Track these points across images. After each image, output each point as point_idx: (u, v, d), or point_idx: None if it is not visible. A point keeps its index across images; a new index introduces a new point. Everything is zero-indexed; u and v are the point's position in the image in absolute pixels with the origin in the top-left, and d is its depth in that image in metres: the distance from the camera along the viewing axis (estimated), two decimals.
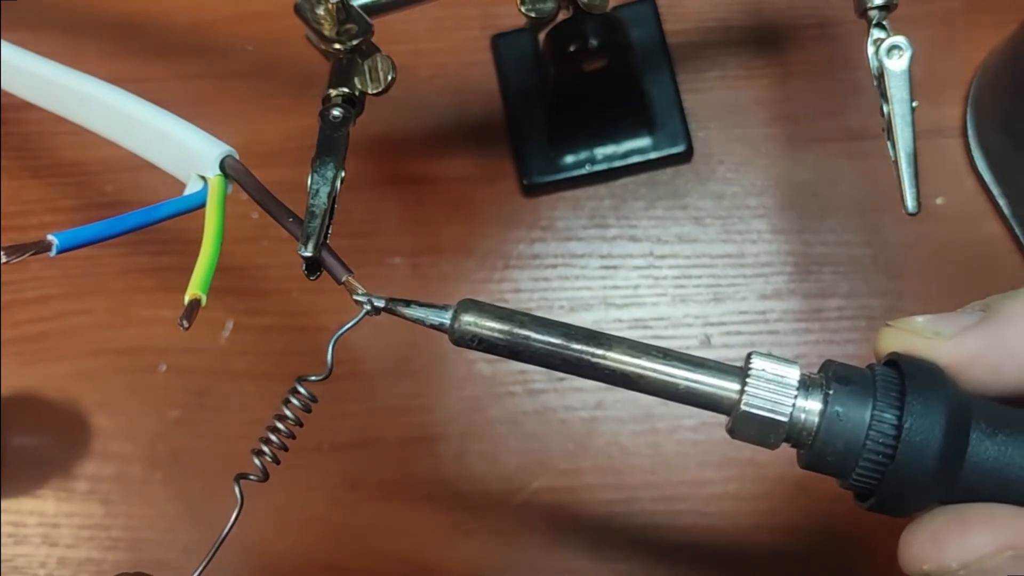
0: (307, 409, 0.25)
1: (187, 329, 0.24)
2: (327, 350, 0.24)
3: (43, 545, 0.43)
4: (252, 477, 0.25)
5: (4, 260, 0.24)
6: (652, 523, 0.41)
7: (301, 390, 0.25)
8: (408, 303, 0.23)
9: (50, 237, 0.25)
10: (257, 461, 0.25)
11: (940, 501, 0.21)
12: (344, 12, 0.30)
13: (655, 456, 0.42)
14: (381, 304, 0.24)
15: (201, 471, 0.43)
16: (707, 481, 0.42)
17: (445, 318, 0.23)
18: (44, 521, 0.43)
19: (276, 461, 0.25)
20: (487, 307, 0.23)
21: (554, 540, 0.42)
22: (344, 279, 0.25)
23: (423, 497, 0.43)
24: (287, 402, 0.25)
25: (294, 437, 0.25)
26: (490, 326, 0.22)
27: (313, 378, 0.25)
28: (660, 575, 0.41)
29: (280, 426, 0.25)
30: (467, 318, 0.23)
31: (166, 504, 0.43)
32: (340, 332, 0.24)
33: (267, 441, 0.25)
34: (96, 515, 0.43)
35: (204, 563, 0.24)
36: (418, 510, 0.42)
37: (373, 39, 0.31)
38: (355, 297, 0.24)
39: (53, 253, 0.26)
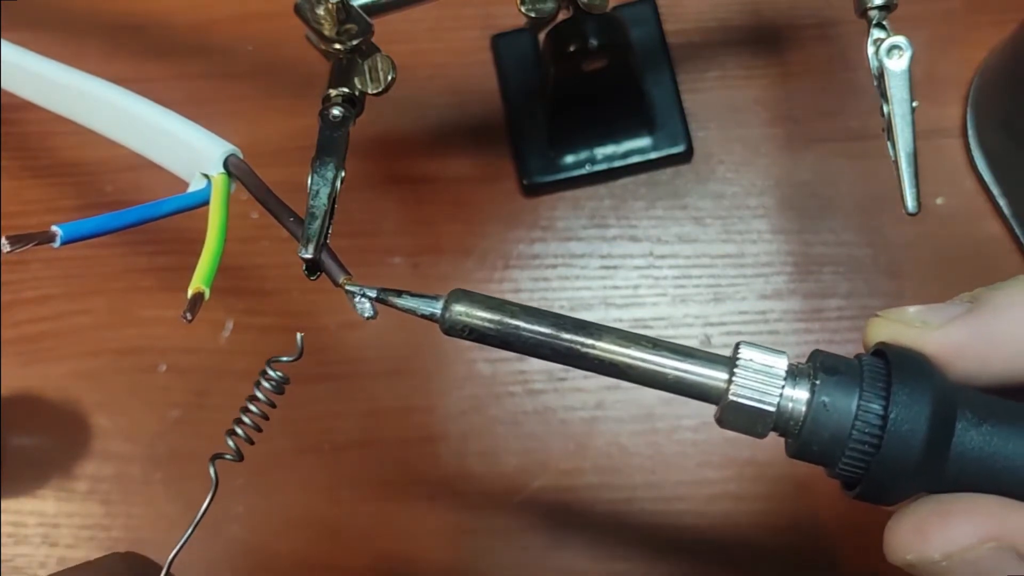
0: (279, 391, 0.25)
1: (190, 322, 0.24)
2: (296, 340, 0.25)
3: (43, 545, 0.43)
4: (228, 456, 0.25)
5: (8, 249, 0.24)
6: (652, 523, 0.41)
7: (271, 372, 0.25)
8: (399, 293, 0.23)
9: (54, 228, 0.25)
10: (230, 441, 0.25)
11: (927, 490, 0.22)
12: (344, 12, 0.30)
13: (655, 456, 0.42)
14: (373, 294, 0.24)
15: (201, 471, 0.43)
16: (707, 481, 0.42)
17: (436, 308, 0.23)
18: (44, 521, 0.43)
19: (250, 442, 0.25)
20: (478, 297, 0.23)
21: (554, 540, 0.42)
22: (341, 280, 0.25)
23: (423, 497, 0.43)
24: (258, 384, 0.25)
25: (267, 418, 0.25)
26: (480, 316, 0.22)
27: (284, 359, 0.25)
28: (660, 575, 0.41)
29: (252, 407, 0.25)
30: (458, 308, 0.23)
31: (166, 504, 0.43)
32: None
33: (239, 422, 0.25)
34: (96, 515, 0.43)
35: (180, 544, 0.24)
36: (418, 510, 0.42)
37: (373, 39, 0.31)
38: (347, 288, 0.24)
39: (57, 244, 0.25)
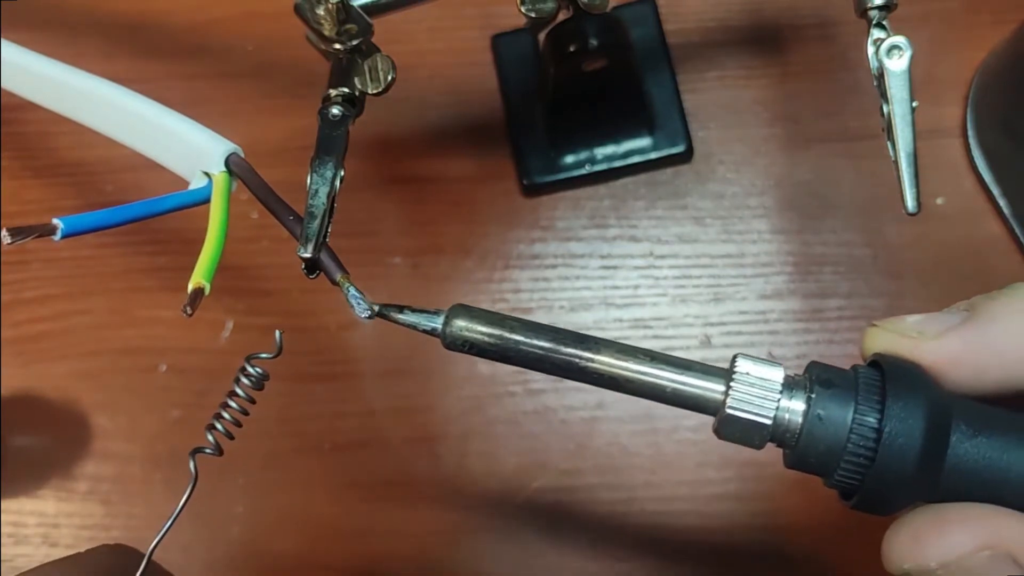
0: (259, 387, 0.25)
1: (190, 316, 0.24)
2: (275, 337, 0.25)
3: (43, 545, 0.43)
4: (208, 451, 0.26)
5: (8, 241, 0.24)
6: (652, 523, 0.41)
7: (250, 369, 0.25)
8: (401, 309, 0.24)
9: (56, 221, 0.25)
10: (210, 436, 0.25)
11: (923, 500, 0.22)
12: (344, 12, 0.30)
13: (655, 456, 0.42)
14: (374, 309, 0.24)
15: (201, 471, 0.43)
16: (707, 481, 0.42)
17: (437, 323, 0.23)
18: (44, 521, 0.43)
19: (230, 436, 0.26)
20: (478, 312, 0.23)
21: (554, 540, 0.42)
22: (338, 278, 0.25)
23: (423, 497, 0.43)
24: (238, 380, 0.25)
25: (247, 414, 0.26)
26: (481, 331, 0.23)
27: (263, 355, 0.26)
28: (660, 575, 0.41)
29: (231, 403, 0.25)
30: (459, 323, 0.23)
31: (166, 504, 0.43)
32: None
33: (218, 417, 0.25)
34: (96, 515, 0.43)
35: (161, 534, 0.24)
36: (418, 510, 0.42)
37: (373, 39, 0.31)
38: (349, 303, 0.24)
39: (58, 237, 0.25)
